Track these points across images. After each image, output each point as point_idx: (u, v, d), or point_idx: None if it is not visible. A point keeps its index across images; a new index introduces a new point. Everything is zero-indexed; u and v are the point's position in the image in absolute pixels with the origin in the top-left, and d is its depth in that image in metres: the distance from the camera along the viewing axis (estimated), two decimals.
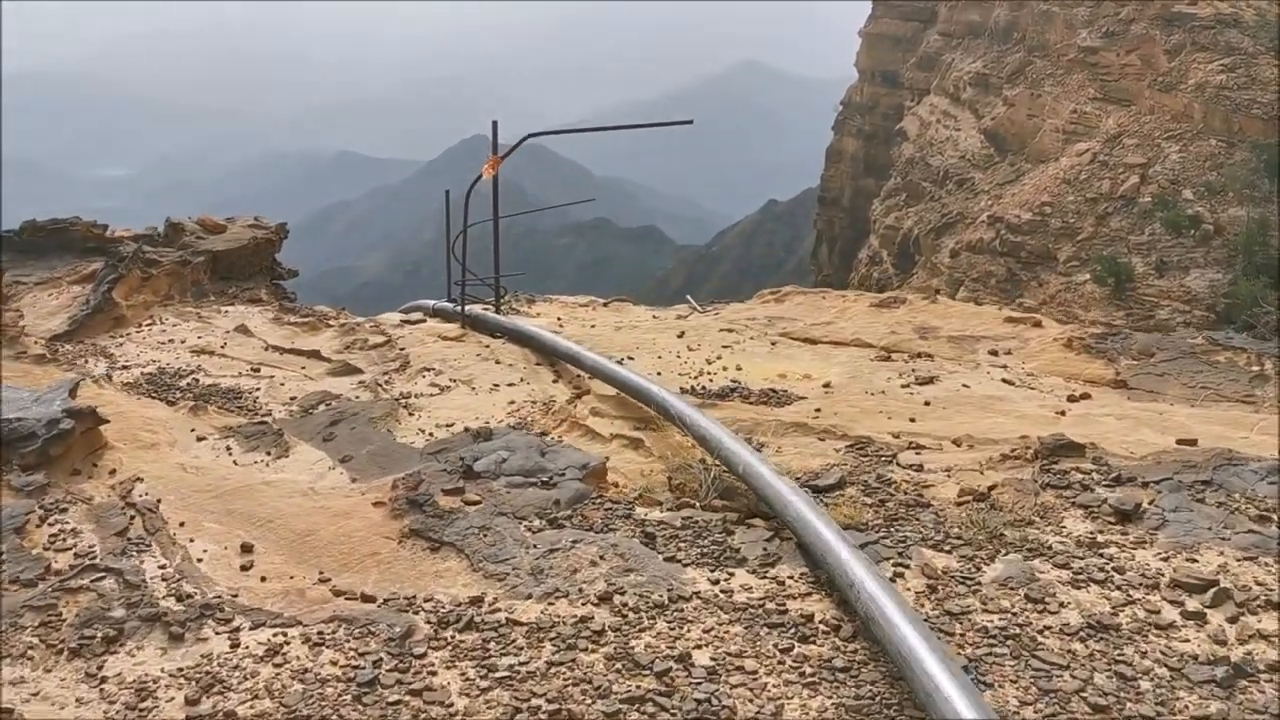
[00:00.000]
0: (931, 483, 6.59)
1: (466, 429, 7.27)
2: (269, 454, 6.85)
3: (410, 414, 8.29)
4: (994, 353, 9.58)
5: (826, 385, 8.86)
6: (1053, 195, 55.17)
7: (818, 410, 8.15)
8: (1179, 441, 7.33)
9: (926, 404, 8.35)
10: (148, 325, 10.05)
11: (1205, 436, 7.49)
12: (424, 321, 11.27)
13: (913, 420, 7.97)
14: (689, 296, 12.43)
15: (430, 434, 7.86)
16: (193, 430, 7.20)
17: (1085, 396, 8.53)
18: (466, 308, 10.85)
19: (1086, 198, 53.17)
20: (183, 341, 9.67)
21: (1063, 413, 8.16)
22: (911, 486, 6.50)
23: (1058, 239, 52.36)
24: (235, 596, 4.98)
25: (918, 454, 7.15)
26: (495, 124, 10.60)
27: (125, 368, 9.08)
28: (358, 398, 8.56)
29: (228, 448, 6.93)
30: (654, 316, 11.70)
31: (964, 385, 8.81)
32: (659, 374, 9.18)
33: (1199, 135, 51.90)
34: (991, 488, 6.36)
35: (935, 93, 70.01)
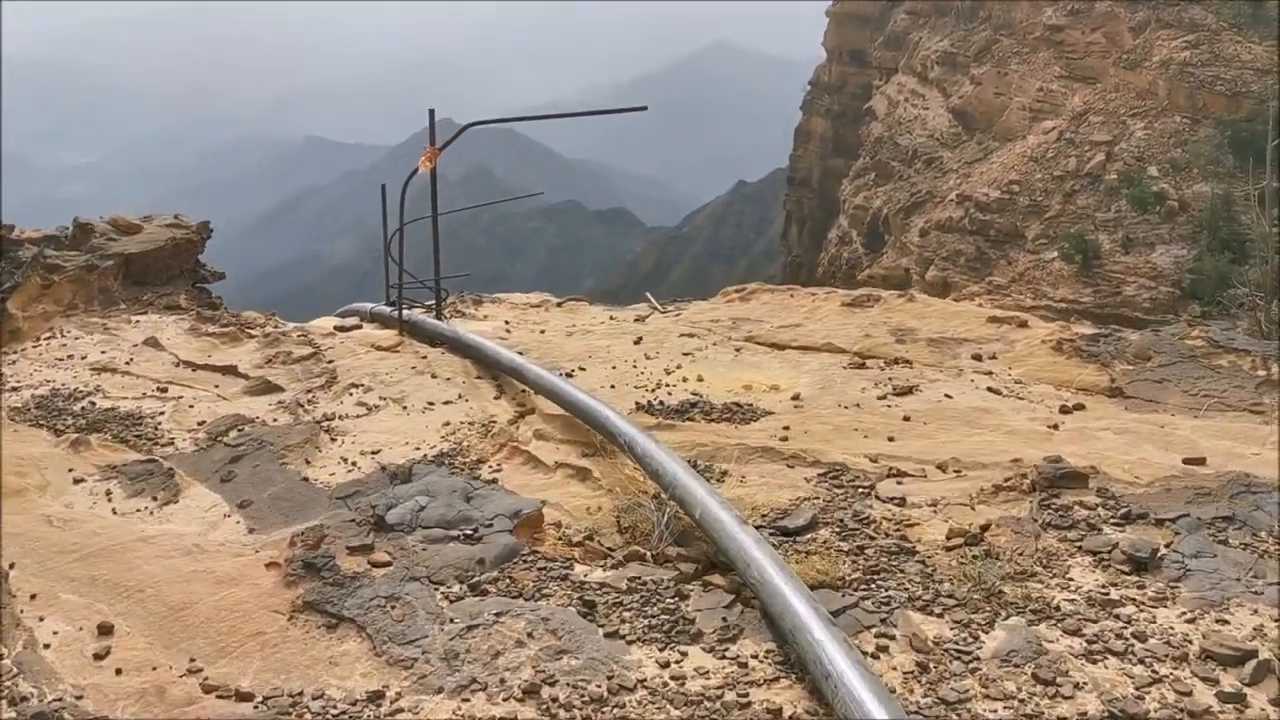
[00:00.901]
0: (916, 520, 5.74)
1: (383, 467, 6.34)
2: (155, 499, 5.90)
3: (332, 439, 7.35)
4: (978, 357, 8.72)
5: (796, 398, 7.99)
6: (1020, 173, 54.85)
7: (786, 429, 7.28)
8: (1186, 461, 6.51)
9: (906, 419, 7.50)
10: (46, 339, 9.04)
11: (1213, 453, 6.68)
12: (359, 328, 10.32)
13: (891, 439, 7.12)
14: (648, 294, 11.52)
15: (353, 463, 6.94)
16: (70, 470, 6.24)
17: (1079, 407, 7.69)
18: (406, 313, 9.90)
19: (1054, 175, 52.88)
20: (83, 358, 8.67)
21: (1055, 426, 7.33)
22: (894, 526, 5.65)
23: (1026, 217, 52.00)
24: (79, 699, 4.06)
25: (899, 483, 6.29)
26: (432, 113, 9.64)
27: (14, 389, 8.07)
28: (275, 421, 7.61)
29: (108, 492, 5.98)
30: (611, 318, 10.78)
31: (946, 396, 7.96)
32: (612, 387, 8.27)
33: (1164, 112, 51.75)
34: (985, 528, 5.51)
35: (903, 72, 69.41)
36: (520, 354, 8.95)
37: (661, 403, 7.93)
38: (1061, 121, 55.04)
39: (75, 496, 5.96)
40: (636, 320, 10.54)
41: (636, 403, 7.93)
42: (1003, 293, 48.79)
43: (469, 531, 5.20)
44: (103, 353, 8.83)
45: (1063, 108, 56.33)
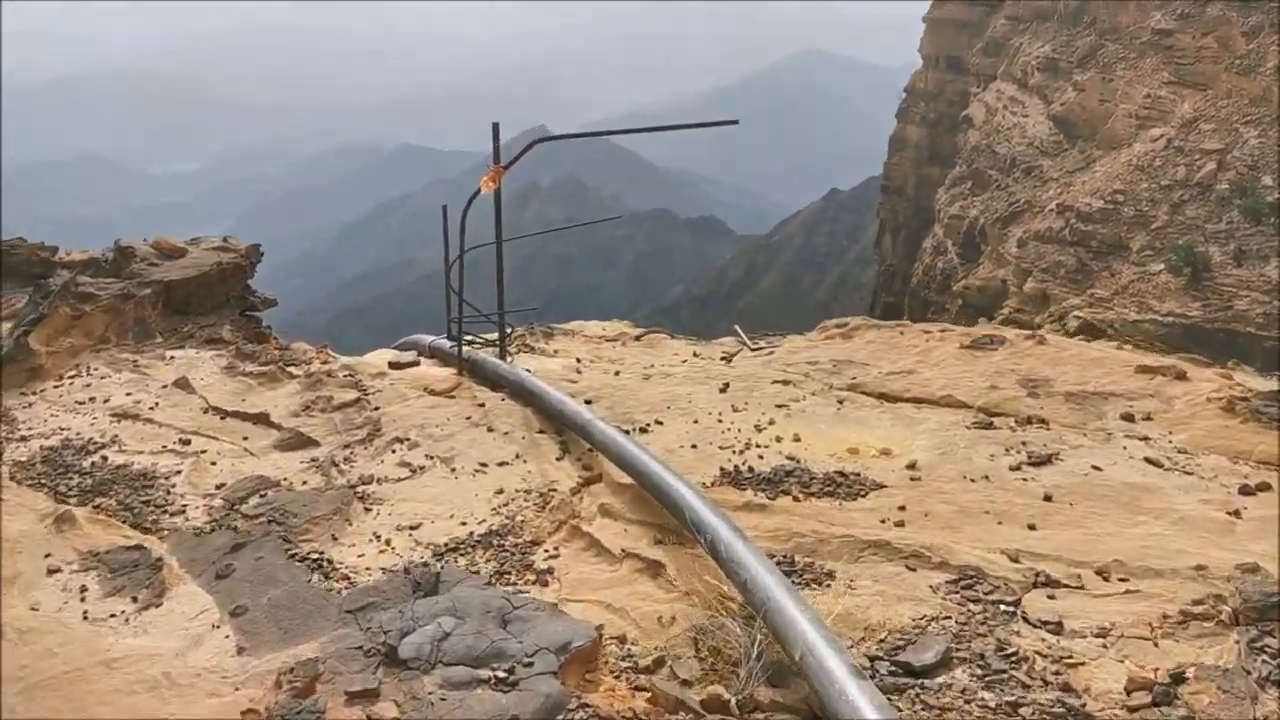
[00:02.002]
0: (1080, 657, 4.40)
1: (407, 570, 5.17)
2: (135, 599, 4.83)
3: (367, 509, 6.25)
4: (1129, 417, 7.28)
5: (911, 466, 6.66)
6: (1125, 182, 52.55)
7: (902, 509, 5.97)
8: None
9: (1048, 498, 6.13)
10: (70, 378, 8.12)
11: None
12: (416, 364, 9.23)
13: (1032, 527, 5.77)
14: (737, 328, 10.26)
15: (386, 541, 5.83)
16: (47, 556, 5.21)
17: (1264, 487, 6.23)
18: (467, 350, 8.79)
19: (1161, 185, 50.50)
20: (106, 401, 7.71)
21: (1237, 513, 5.89)
22: (1052, 667, 4.32)
23: (1130, 227, 49.66)
24: None
25: (1051, 596, 4.95)
26: (496, 127, 8.52)
27: (24, 439, 7.13)
28: (303, 485, 6.53)
29: (83, 588, 4.93)
30: (694, 355, 9.54)
31: (1094, 468, 6.55)
32: (694, 446, 7.04)
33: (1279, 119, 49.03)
34: (1178, 678, 4.16)
35: (1002, 78, 67.11)
36: (588, 403, 7.78)
37: (751, 469, 6.67)
38: (1170, 129, 52.49)
39: (45, 593, 4.92)
40: (723, 359, 9.29)
41: (721, 468, 6.69)
42: (1105, 305, 46.59)
43: (503, 672, 4.01)
44: (128, 395, 7.86)
45: (1171, 115, 53.79)
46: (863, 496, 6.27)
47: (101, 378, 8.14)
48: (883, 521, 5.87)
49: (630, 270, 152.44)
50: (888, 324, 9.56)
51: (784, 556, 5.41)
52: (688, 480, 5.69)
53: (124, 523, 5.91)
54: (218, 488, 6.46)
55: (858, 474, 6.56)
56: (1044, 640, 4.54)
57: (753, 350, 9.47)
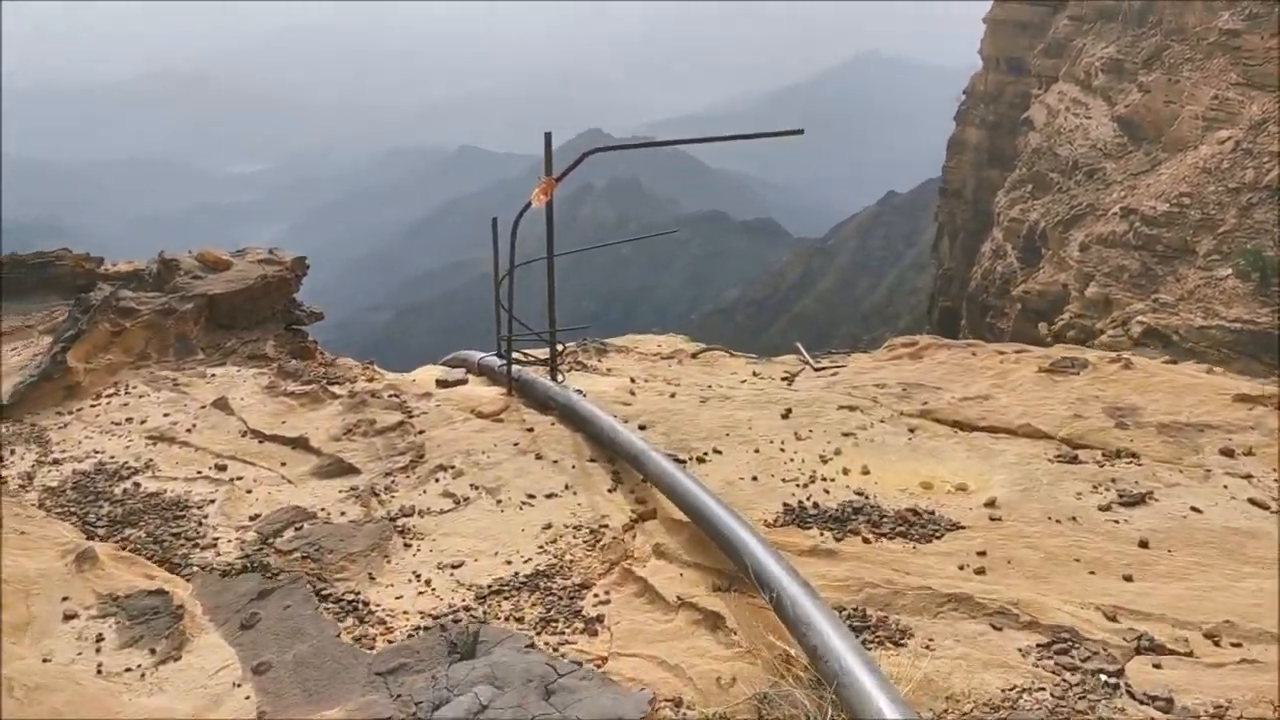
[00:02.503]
0: None
1: (443, 627, 4.75)
2: (153, 651, 4.47)
3: (406, 544, 5.87)
4: (1228, 453, 6.69)
5: (991, 504, 6.13)
6: (1191, 185, 51.30)
7: (982, 554, 5.46)
8: None
9: (1143, 544, 5.58)
10: (109, 396, 7.83)
11: None
12: (464, 383, 8.85)
13: (1129, 579, 5.23)
14: (799, 345, 9.76)
15: (427, 581, 5.45)
16: (65, 600, 4.87)
17: None
18: (516, 368, 8.39)
19: (1228, 188, 49.24)
20: (143, 422, 7.41)
21: None
22: None
23: (1197, 231, 48.40)
24: None
25: (1157, 665, 4.42)
26: (549, 137, 8.09)
27: (56, 462, 6.84)
28: (341, 516, 6.15)
29: (99, 637, 4.58)
30: (754, 374, 9.06)
31: (1193, 509, 5.98)
32: (754, 479, 6.57)
33: None
34: None
35: (1064, 80, 65.86)
36: (642, 429, 7.34)
37: (817, 505, 6.18)
38: (1238, 131, 51.10)
39: (59, 641, 4.58)
40: (784, 380, 8.80)
41: (785, 503, 6.21)
42: (1169, 311, 45.41)
43: None
44: (165, 415, 7.54)
45: (1239, 116, 52.44)
46: (938, 538, 5.76)
47: (140, 396, 7.84)
48: (961, 568, 5.36)
49: (686, 272, 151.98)
50: (959, 344, 9.00)
51: (854, 609, 4.93)
52: (749, 523, 5.22)
53: (151, 558, 5.58)
54: (252, 519, 6.10)
55: (932, 512, 6.05)
56: None
57: (816, 370, 8.97)
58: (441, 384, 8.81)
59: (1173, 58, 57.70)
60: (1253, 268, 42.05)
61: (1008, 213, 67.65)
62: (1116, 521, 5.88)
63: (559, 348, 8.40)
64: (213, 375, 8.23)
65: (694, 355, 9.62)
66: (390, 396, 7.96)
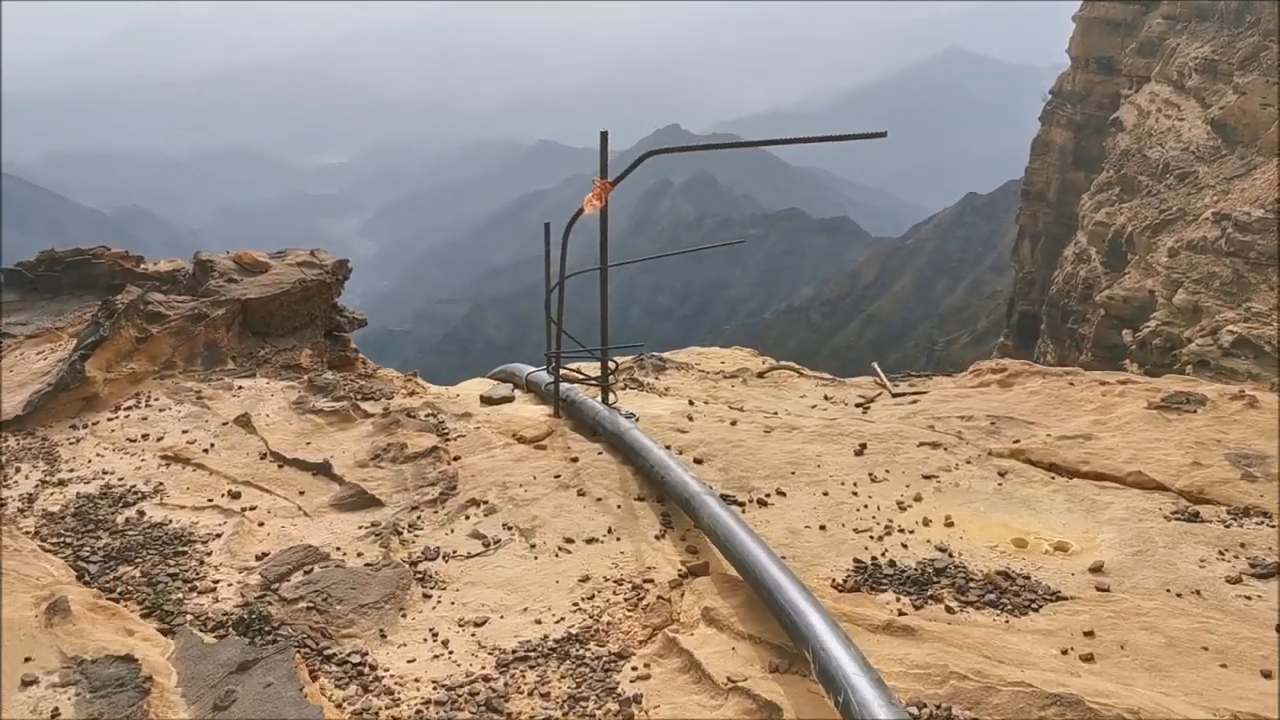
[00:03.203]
0: None
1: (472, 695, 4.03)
2: None
3: (426, 595, 5.17)
4: None
5: (1097, 569, 5.25)
6: None
7: (1089, 636, 4.60)
8: None
9: None
10: (128, 409, 7.26)
11: None
12: (510, 400, 8.15)
13: (1267, 675, 4.34)
14: (876, 366, 8.89)
15: (444, 643, 4.75)
16: (28, 660, 4.25)
17: None
18: (565, 387, 7.67)
19: None
20: (159, 439, 6.81)
21: None
22: None
23: None
24: None
25: None
26: (604, 136, 7.36)
27: (61, 483, 6.26)
28: (358, 557, 5.48)
29: (55, 712, 3.93)
30: (826, 398, 8.21)
31: None
32: (822, 528, 5.76)
33: None
34: None
35: (1156, 80, 63.66)
36: (698, 462, 6.57)
37: (893, 563, 5.36)
38: None
39: (14, 713, 3.95)
40: (859, 406, 7.95)
41: (856, 559, 5.40)
42: (1262, 320, 43.54)
43: None
44: (184, 433, 6.94)
45: None
46: (1035, 610, 4.91)
47: (160, 410, 7.25)
48: (1065, 653, 4.51)
49: (760, 269, 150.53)
50: (1054, 370, 8.07)
51: (937, 708, 4.11)
52: (813, 598, 4.42)
53: (142, 602, 4.96)
54: (259, 558, 5.45)
55: (1027, 577, 5.19)
56: None
57: (894, 395, 8.10)
58: (486, 400, 8.13)
59: (1270, 58, 55.50)
60: None
61: (1093, 216, 65.92)
62: (1249, 598, 4.97)
63: (611, 365, 7.65)
64: (240, 388, 7.62)
65: (760, 374, 8.81)
66: (426, 416, 7.29)
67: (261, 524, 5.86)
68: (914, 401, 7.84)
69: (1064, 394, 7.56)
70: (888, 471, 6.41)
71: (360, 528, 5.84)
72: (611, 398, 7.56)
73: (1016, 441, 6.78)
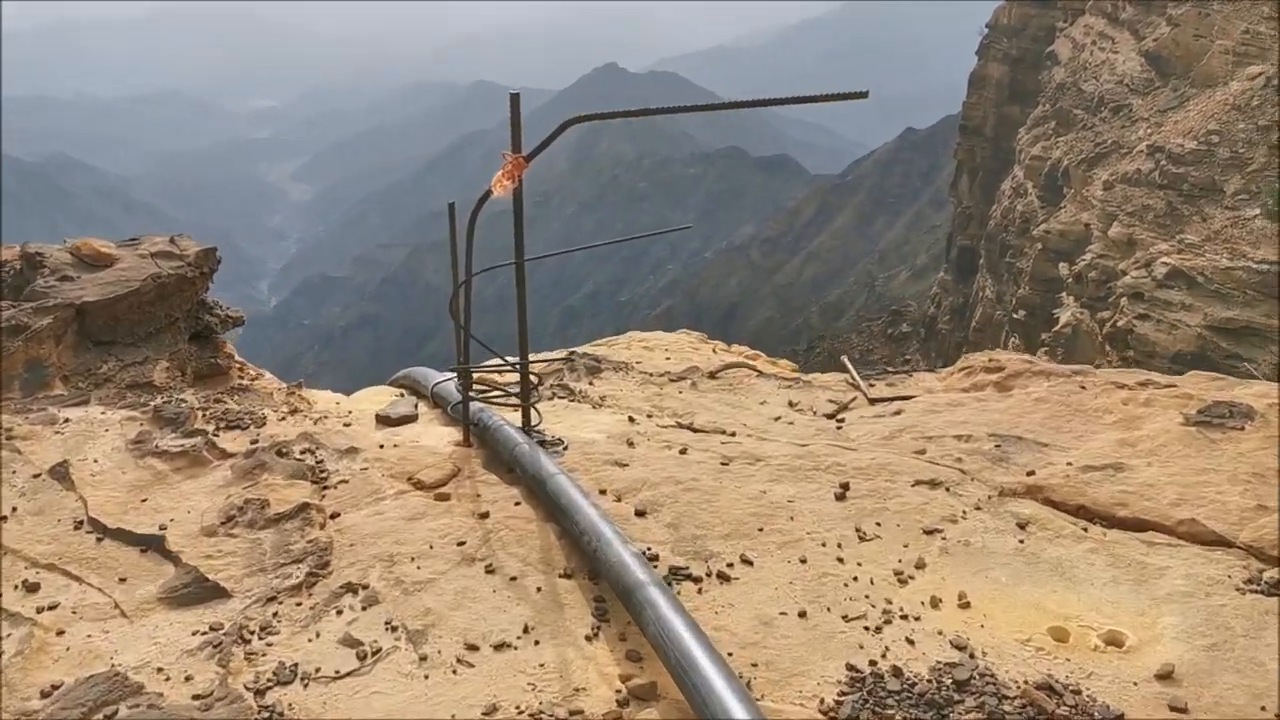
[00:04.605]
0: None
1: None
2: None
3: None
4: None
5: (1165, 676, 3.92)
6: (1221, 123, 48.88)
7: None
8: None
9: None
10: None
11: None
12: (412, 419, 6.63)
13: None
14: (846, 360, 7.49)
15: None
16: None
17: None
18: (479, 411, 6.17)
19: (1259, 125, 46.87)
20: None
21: None
22: None
23: (1225, 170, 46.05)
24: None
25: None
26: (515, 99, 5.81)
27: None
28: (186, 685, 3.98)
29: None
30: (790, 405, 6.80)
31: None
32: (802, 615, 4.37)
33: None
34: None
35: (1091, 13, 62.91)
36: (640, 515, 5.12)
37: (899, 672, 3.98)
38: (1269, 66, 48.43)
39: None
40: (831, 417, 6.55)
41: (849, 667, 4.02)
42: (1195, 252, 43.11)
43: None
44: None
45: (1270, 51, 49.95)
46: None
47: None
48: None
49: (700, 209, 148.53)
50: (1059, 369, 6.71)
51: None
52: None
53: None
54: (45, 695, 3.94)
55: (1079, 692, 3.85)
56: None
57: (871, 401, 6.71)
58: (383, 421, 6.61)
59: None
60: None
61: (1029, 150, 65.54)
62: None
63: (534, 378, 6.17)
64: (65, 421, 6.01)
65: (712, 375, 7.35)
66: (302, 454, 5.75)
67: (61, 632, 4.33)
68: (897, 412, 6.45)
69: (1075, 401, 6.21)
70: (878, 524, 5.02)
71: (195, 634, 4.33)
72: (534, 417, 6.09)
73: (1031, 473, 5.42)
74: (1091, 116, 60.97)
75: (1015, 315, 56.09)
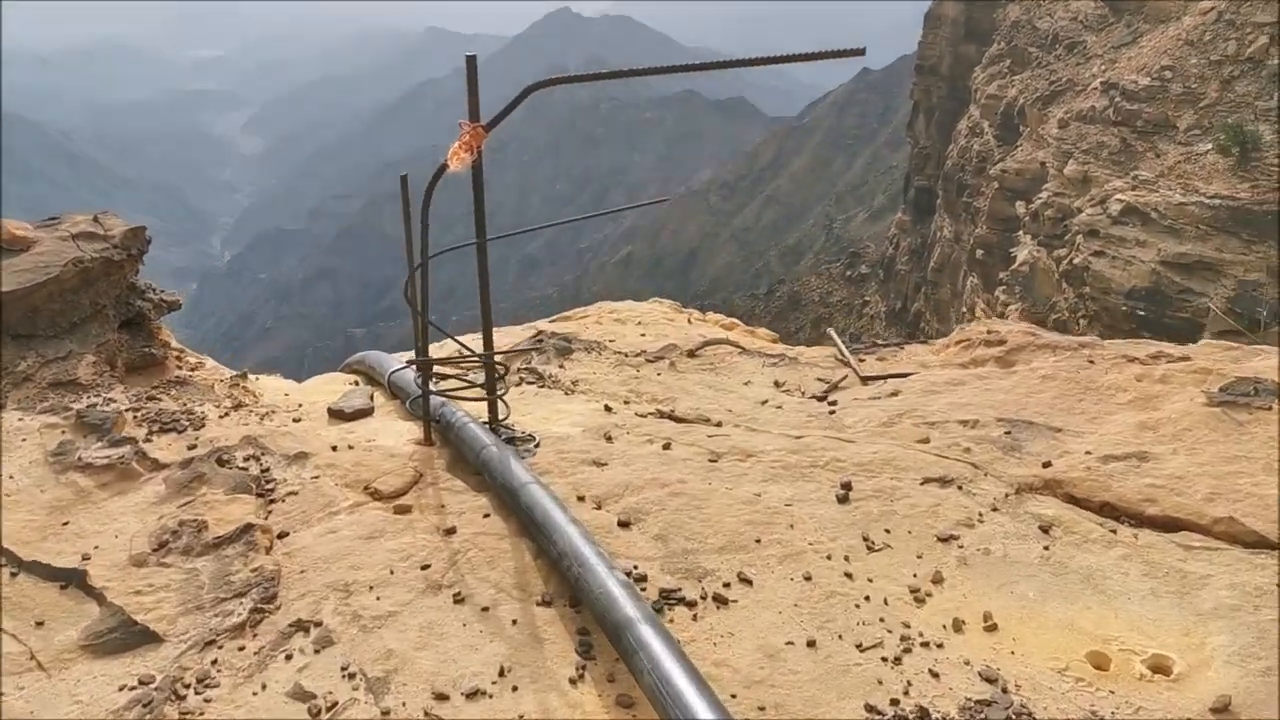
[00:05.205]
0: None
1: None
2: None
3: None
4: None
5: (1222, 710, 3.49)
6: (1173, 58, 48.71)
7: None
8: None
9: None
10: None
11: None
12: (368, 413, 6.05)
13: None
14: (832, 332, 6.98)
15: None
16: None
17: None
18: (440, 406, 5.59)
19: (1210, 60, 46.71)
20: None
21: None
22: None
23: (1178, 106, 45.91)
24: None
25: None
26: (472, 60, 5.16)
27: None
28: None
29: None
30: (777, 385, 6.28)
31: None
32: (810, 644, 3.88)
33: None
34: None
35: None
36: (623, 526, 4.60)
37: (924, 714, 3.51)
38: (1221, 1, 48.05)
39: None
40: (821, 399, 6.04)
41: (869, 708, 3.53)
42: (1149, 188, 43.04)
43: None
44: None
45: None
46: None
47: None
48: None
49: (658, 153, 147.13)
50: (1064, 342, 6.22)
51: None
52: None
53: None
54: None
55: None
56: None
57: (863, 380, 6.20)
58: (335, 416, 6.02)
59: None
60: (1233, 142, 40.44)
61: (985, 89, 65.36)
62: None
63: (499, 370, 5.59)
64: None
65: (691, 353, 6.81)
66: (246, 461, 5.16)
67: None
68: (894, 393, 5.95)
69: (1085, 378, 5.73)
70: (887, 531, 4.52)
71: (123, 688, 3.77)
72: (501, 410, 5.53)
73: (1047, 464, 4.94)
74: (1046, 54, 60.78)
75: (974, 254, 56.00)
